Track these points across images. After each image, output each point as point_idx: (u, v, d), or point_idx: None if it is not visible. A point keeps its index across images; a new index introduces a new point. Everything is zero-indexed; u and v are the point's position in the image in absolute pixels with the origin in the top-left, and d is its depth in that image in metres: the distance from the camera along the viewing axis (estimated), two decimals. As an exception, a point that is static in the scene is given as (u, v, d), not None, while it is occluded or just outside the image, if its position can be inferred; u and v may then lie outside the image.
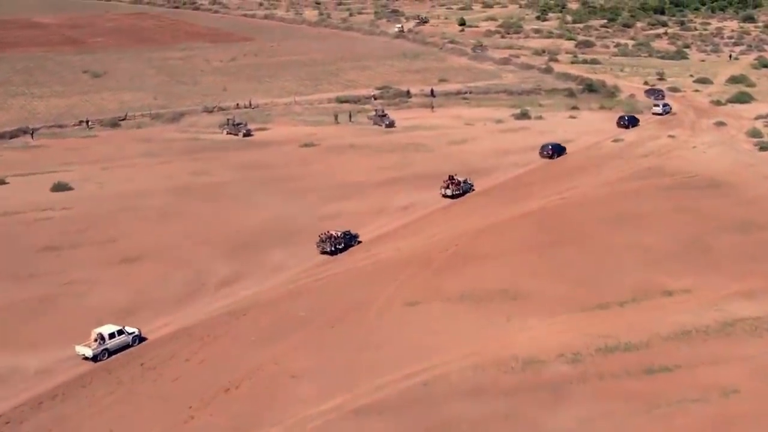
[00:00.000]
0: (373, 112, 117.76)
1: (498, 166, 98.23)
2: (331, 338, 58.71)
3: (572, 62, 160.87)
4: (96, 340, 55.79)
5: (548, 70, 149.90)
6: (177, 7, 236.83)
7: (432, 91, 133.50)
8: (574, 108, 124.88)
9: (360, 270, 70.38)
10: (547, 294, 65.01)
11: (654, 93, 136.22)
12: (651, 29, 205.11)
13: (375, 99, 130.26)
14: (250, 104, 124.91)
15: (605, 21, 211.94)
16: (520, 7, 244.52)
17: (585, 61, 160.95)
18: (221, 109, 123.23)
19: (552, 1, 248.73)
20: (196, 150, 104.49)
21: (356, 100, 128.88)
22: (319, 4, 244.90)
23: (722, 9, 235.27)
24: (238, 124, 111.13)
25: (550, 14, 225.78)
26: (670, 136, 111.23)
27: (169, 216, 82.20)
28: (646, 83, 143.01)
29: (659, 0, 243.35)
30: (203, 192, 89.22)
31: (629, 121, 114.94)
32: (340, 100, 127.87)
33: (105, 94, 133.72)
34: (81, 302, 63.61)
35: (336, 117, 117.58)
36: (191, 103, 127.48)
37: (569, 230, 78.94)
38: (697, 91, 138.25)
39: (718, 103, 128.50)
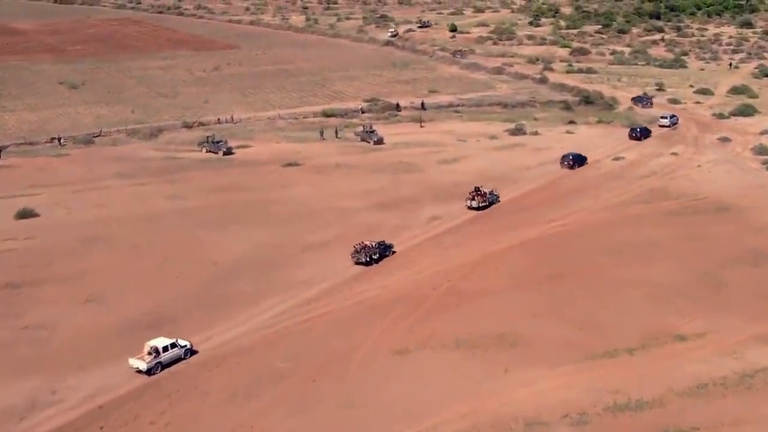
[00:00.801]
0: (361, 128, 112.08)
1: (492, 186, 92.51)
2: (312, 394, 53.19)
3: (567, 71, 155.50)
4: (150, 354, 54.97)
5: (543, 81, 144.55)
6: (161, 12, 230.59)
7: (422, 103, 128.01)
8: (571, 122, 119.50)
9: (345, 311, 65.01)
10: (549, 339, 59.62)
11: (641, 100, 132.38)
12: (647, 35, 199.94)
13: (363, 112, 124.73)
14: (232, 119, 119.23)
15: (600, 27, 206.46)
16: (512, 11, 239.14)
17: (580, 71, 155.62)
18: (201, 124, 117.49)
19: (545, 6, 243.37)
20: (172, 170, 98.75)
21: (343, 114, 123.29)
22: (306, 8, 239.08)
23: (718, 14, 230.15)
24: (218, 142, 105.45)
25: (543, 19, 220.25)
26: (673, 154, 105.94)
27: (140, 247, 76.55)
28: (644, 94, 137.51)
29: (654, 4, 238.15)
30: (178, 219, 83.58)
31: (641, 133, 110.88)
32: (327, 114, 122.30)
33: (81, 107, 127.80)
34: (40, 351, 57.91)
35: (321, 133, 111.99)
36: (170, 117, 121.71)
37: (569, 262, 73.63)
38: (698, 102, 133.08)
39: (720, 116, 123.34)
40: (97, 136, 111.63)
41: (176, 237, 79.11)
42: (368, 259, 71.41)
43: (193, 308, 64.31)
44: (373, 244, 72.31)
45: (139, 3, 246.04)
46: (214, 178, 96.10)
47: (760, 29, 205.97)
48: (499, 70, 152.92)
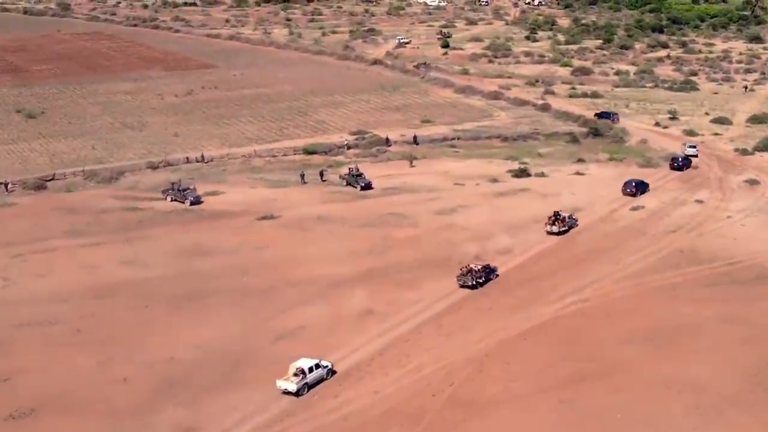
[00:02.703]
0: (347, 170, 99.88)
1: (497, 248, 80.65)
2: None
3: (570, 95, 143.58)
4: (296, 375, 55.98)
5: (545, 108, 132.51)
6: (135, 25, 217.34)
7: (415, 137, 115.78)
8: (580, 161, 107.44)
9: (325, 429, 53.02)
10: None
11: (607, 116, 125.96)
12: (651, 51, 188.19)
13: (348, 148, 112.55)
14: (203, 158, 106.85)
15: (601, 42, 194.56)
16: (506, 24, 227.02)
17: (585, 95, 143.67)
18: (168, 164, 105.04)
19: (540, 17, 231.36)
20: (131, 226, 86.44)
21: (327, 150, 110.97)
22: (289, 20, 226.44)
23: (724, 26, 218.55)
24: (185, 190, 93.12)
25: (540, 33, 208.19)
26: (697, 201, 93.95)
27: (83, 336, 64.63)
28: (657, 124, 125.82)
29: (656, 16, 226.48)
30: (132, 294, 71.43)
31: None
32: (308, 151, 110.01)
33: (36, 142, 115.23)
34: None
35: (302, 176, 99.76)
36: (135, 155, 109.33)
37: (594, 356, 61.93)
38: (716, 134, 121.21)
39: (744, 151, 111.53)
40: (49, 180, 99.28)
41: (128, 320, 67.09)
42: (474, 282, 71.26)
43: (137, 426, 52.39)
44: (479, 267, 72.23)
45: (114, 14, 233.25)
46: (178, 236, 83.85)
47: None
48: (496, 95, 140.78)
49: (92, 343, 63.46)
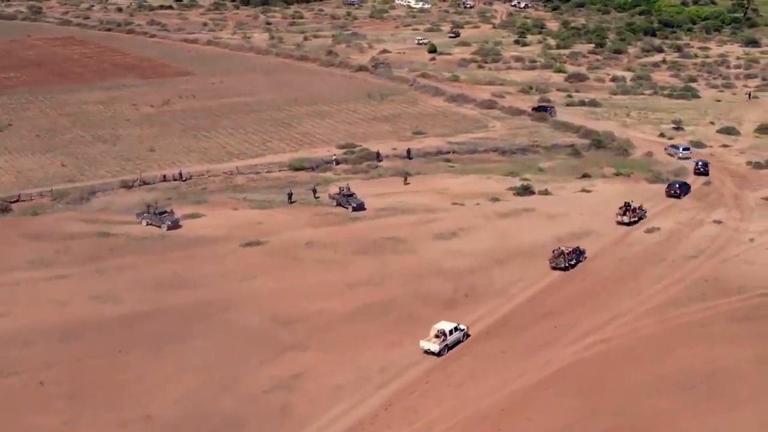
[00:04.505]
0: (337, 189, 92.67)
1: (504, 278, 73.80)
2: None
3: (567, 104, 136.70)
4: (437, 336, 59.90)
5: (542, 118, 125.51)
6: (109, 30, 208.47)
7: (408, 151, 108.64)
8: (585, 176, 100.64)
9: None
10: None
11: (545, 110, 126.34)
12: (645, 56, 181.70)
13: (337, 164, 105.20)
14: (181, 176, 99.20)
15: (593, 45, 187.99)
16: (494, 27, 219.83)
17: (582, 103, 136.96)
18: (144, 182, 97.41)
19: (528, 20, 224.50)
20: (102, 254, 78.76)
21: (314, 166, 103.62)
22: (269, 24, 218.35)
23: (717, 29, 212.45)
24: (162, 213, 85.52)
25: (530, 37, 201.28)
26: (715, 222, 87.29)
27: (48, 390, 57.29)
28: (662, 135, 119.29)
29: (647, 19, 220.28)
30: (104, 337, 64.06)
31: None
32: (294, 167, 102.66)
33: (1, 158, 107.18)
34: None
35: (290, 196, 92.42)
36: (107, 172, 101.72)
37: (623, 408, 55.31)
38: (725, 146, 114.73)
39: (757, 165, 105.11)
40: (14, 202, 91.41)
41: (98, 369, 59.74)
42: (566, 264, 73.45)
43: None
44: (569, 249, 74.40)
45: (87, 18, 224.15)
46: (155, 266, 76.33)
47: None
48: (490, 104, 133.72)
49: (58, 398, 56.10)
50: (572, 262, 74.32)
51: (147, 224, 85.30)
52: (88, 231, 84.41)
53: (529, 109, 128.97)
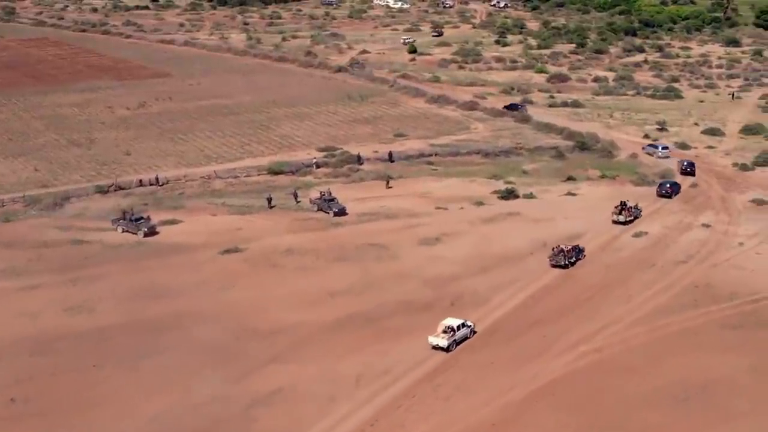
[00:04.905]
0: (318, 194, 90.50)
1: (490, 285, 71.93)
2: None
3: (550, 105, 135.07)
4: (446, 332, 60.14)
5: (525, 119, 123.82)
6: (84, 31, 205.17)
7: (390, 154, 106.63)
8: (570, 179, 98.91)
9: None
10: None
11: (516, 107, 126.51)
12: (627, 56, 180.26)
13: (318, 167, 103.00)
14: (157, 181, 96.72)
15: (574, 45, 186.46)
16: (474, 27, 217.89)
17: (565, 104, 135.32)
18: (119, 188, 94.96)
19: (508, 20, 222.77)
20: (76, 263, 76.35)
21: (294, 170, 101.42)
22: (247, 25, 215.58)
23: (698, 29, 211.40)
24: (138, 219, 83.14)
25: (510, 37, 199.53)
26: (704, 226, 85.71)
27: (18, 408, 55.04)
28: (646, 136, 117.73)
29: (627, 18, 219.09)
30: (77, 351, 61.86)
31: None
32: (273, 171, 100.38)
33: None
34: None
35: (269, 200, 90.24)
36: (82, 177, 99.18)
37: (621, 423, 54.02)
38: (710, 147, 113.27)
39: (744, 167, 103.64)
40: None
41: (72, 385, 57.56)
42: (566, 262, 73.72)
43: None
44: (569, 247, 74.86)
45: (62, 19, 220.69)
46: (130, 275, 74.02)
47: (749, 48, 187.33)
48: (472, 105, 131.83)
49: (29, 417, 53.90)
50: (572, 260, 74.51)
51: (123, 231, 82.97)
52: (61, 238, 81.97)
53: (502, 107, 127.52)
